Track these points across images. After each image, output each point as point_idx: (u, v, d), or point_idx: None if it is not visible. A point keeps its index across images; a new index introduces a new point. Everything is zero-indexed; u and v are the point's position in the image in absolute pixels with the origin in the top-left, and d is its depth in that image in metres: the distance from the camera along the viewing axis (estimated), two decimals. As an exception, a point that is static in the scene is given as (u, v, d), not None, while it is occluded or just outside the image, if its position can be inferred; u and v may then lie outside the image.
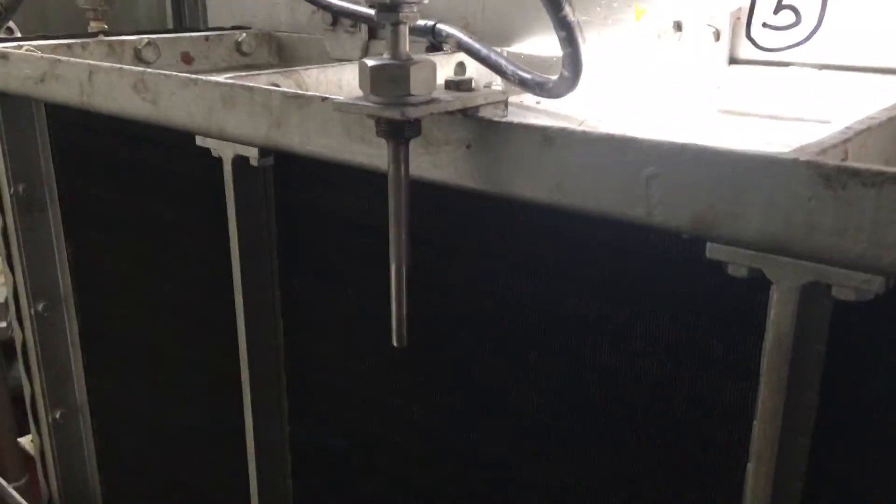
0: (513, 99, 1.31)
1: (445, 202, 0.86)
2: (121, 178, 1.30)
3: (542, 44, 1.36)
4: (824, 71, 1.08)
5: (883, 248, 0.56)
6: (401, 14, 0.70)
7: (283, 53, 1.74)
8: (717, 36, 1.15)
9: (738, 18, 1.15)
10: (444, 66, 1.33)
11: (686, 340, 0.73)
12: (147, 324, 1.37)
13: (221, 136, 1.03)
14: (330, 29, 1.61)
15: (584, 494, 0.86)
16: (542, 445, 0.88)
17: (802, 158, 0.59)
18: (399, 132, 0.72)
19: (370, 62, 0.71)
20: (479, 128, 0.77)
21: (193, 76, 1.03)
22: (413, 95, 0.71)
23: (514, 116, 1.05)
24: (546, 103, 1.21)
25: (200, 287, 1.22)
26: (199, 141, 1.06)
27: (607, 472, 0.83)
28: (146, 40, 1.54)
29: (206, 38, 1.64)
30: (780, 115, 1.12)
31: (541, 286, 0.82)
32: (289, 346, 1.12)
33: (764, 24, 1.14)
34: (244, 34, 1.70)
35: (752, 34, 1.15)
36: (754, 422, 0.68)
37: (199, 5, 1.99)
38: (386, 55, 0.72)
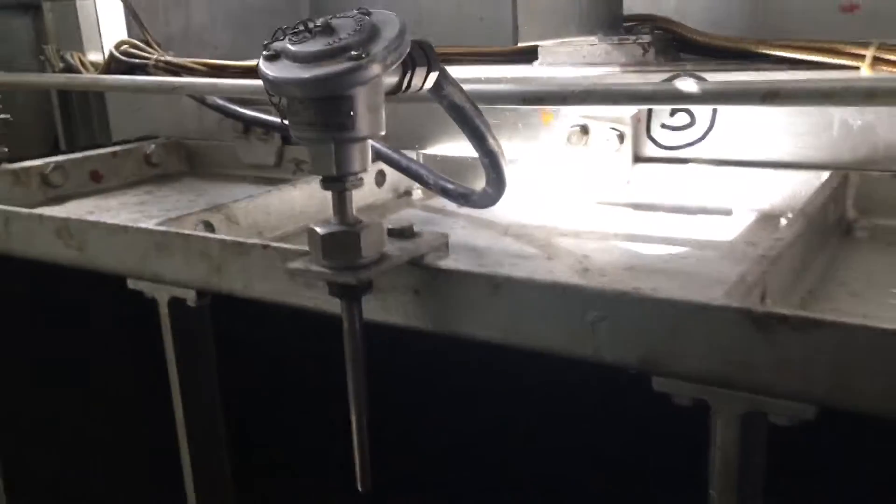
0: (435, 202, 1.37)
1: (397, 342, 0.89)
2: (46, 320, 1.26)
3: (455, 146, 1.41)
4: (721, 166, 1.18)
5: (812, 382, 0.63)
6: (346, 183, 0.73)
7: (193, 161, 1.73)
8: (622, 138, 1.23)
9: (639, 120, 1.24)
10: (365, 177, 1.36)
11: (641, 462, 0.78)
12: (81, 470, 1.31)
13: (156, 280, 1.02)
14: (242, 137, 1.61)
15: None
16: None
17: (734, 305, 0.65)
18: (353, 293, 0.75)
19: (320, 230, 0.74)
20: (426, 276, 0.80)
21: (122, 224, 1.02)
22: (364, 258, 0.74)
23: (439, 227, 1.09)
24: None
25: (141, 429, 1.19)
26: (131, 284, 1.05)
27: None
28: (52, 164, 1.50)
29: (114, 153, 1.62)
30: (686, 207, 1.21)
31: (503, 422, 0.86)
32: (239, 486, 1.11)
33: (663, 125, 1.23)
34: (152, 145, 1.69)
35: (653, 134, 1.25)
36: (710, 533, 0.74)
37: (94, 116, 1.95)
38: (334, 220, 0.75)
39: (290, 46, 0.70)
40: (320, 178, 0.74)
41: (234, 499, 1.12)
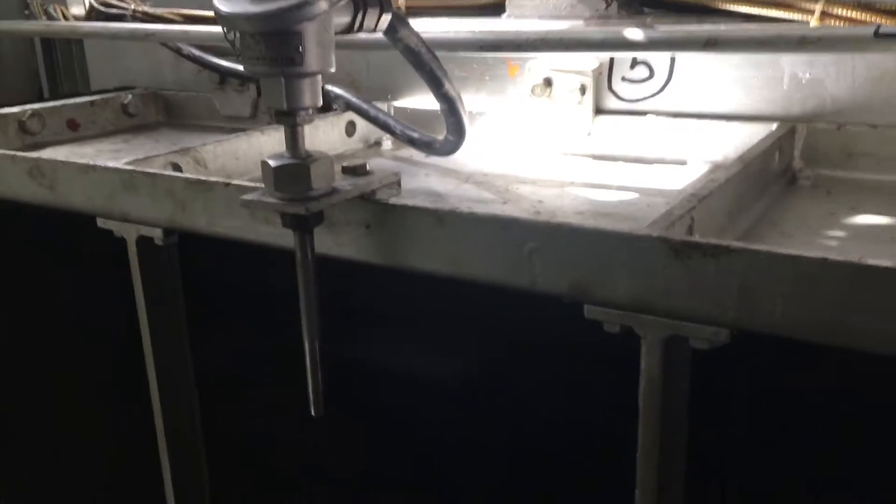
0: (404, 153, 1.40)
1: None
2: (20, 259, 1.30)
3: (427, 98, 1.44)
4: (678, 119, 1.22)
5: (724, 306, 0.67)
6: (297, 118, 0.76)
7: (170, 112, 1.76)
8: (583, 90, 1.27)
9: (601, 73, 1.27)
10: (335, 126, 1.39)
11: (574, 386, 0.83)
12: (52, 403, 1.36)
13: (124, 219, 1.05)
14: (218, 88, 1.64)
15: (498, 528, 0.94)
16: (450, 486, 0.96)
17: (655, 234, 0.69)
18: (304, 224, 0.79)
19: (272, 162, 0.77)
20: (377, 210, 0.84)
21: (91, 163, 1.05)
22: (314, 190, 0.78)
23: (406, 175, 1.13)
24: (434, 157, 1.30)
25: (112, 363, 1.23)
26: (100, 223, 1.08)
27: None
28: (30, 111, 1.53)
29: (91, 102, 1.64)
30: (644, 157, 1.25)
31: (443, 347, 0.90)
32: (205, 415, 1.16)
33: (623, 79, 1.27)
34: (129, 95, 1.71)
35: (614, 87, 1.28)
36: (637, 453, 0.79)
37: (76, 68, 1.97)
38: (286, 154, 0.78)
39: (243, -17, 0.72)
40: (273, 111, 0.77)
41: (203, 429, 1.17)
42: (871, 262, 0.60)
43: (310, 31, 0.72)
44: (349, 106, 1.35)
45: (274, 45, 0.72)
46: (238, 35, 0.75)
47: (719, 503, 0.80)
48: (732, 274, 0.66)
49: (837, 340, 0.64)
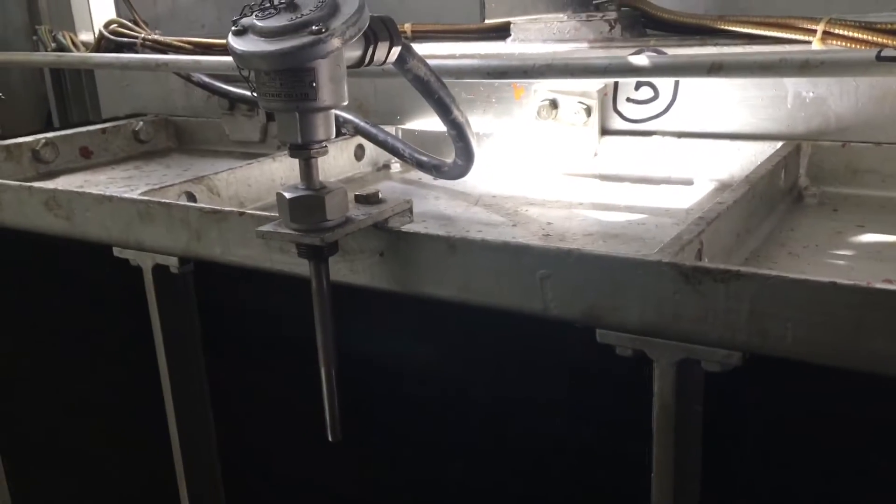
0: (413, 175, 1.42)
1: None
2: (38, 290, 1.31)
3: (434, 121, 1.46)
4: (683, 138, 1.23)
5: (735, 330, 0.68)
6: (311, 151, 0.78)
7: (181, 137, 1.78)
8: (589, 111, 1.28)
9: (606, 94, 1.29)
10: (344, 151, 1.41)
11: (588, 410, 0.84)
12: (73, 430, 1.37)
13: (140, 248, 1.07)
14: (228, 113, 1.66)
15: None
16: (472, 510, 0.97)
17: (665, 260, 0.70)
18: (319, 254, 0.80)
19: (287, 194, 0.79)
20: (390, 238, 0.85)
21: (107, 193, 1.07)
22: (329, 220, 0.79)
23: (416, 198, 1.14)
24: (443, 180, 1.31)
25: (129, 391, 1.25)
26: (116, 252, 1.10)
27: (533, 528, 0.93)
28: (43, 140, 1.55)
29: (103, 130, 1.67)
30: (650, 177, 1.26)
31: (458, 373, 0.92)
32: (222, 442, 1.17)
33: (628, 99, 1.28)
34: (140, 122, 1.73)
35: (619, 108, 1.30)
36: (652, 475, 0.79)
37: (86, 95, 2.00)
38: (301, 185, 0.80)
39: (257, 22, 0.74)
40: (287, 146, 0.79)
41: (219, 456, 1.18)
42: (879, 285, 0.61)
43: (323, 67, 0.74)
44: (358, 130, 1.37)
45: (288, 82, 0.73)
46: (253, 72, 0.77)
47: (734, 523, 0.81)
48: (743, 298, 0.67)
49: (850, 364, 0.65)
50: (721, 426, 0.77)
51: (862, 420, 0.69)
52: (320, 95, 0.75)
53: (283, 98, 0.75)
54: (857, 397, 0.68)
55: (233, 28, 0.75)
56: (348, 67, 0.81)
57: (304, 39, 0.71)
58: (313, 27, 0.72)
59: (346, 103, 0.79)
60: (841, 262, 0.88)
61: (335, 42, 0.73)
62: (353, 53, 0.81)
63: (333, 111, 0.79)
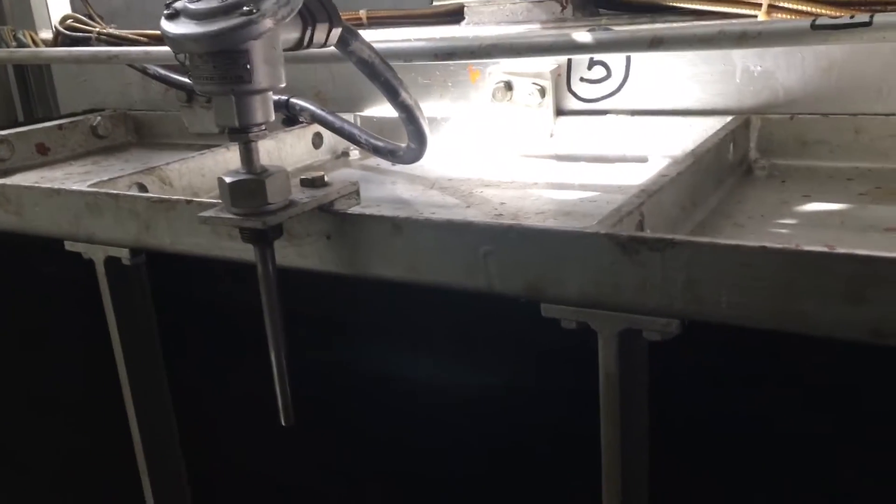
0: (371, 162, 1.42)
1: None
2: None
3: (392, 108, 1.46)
4: (637, 116, 1.24)
5: (672, 298, 0.69)
6: (250, 134, 0.78)
7: (140, 131, 1.77)
8: (543, 92, 1.28)
9: (560, 75, 1.29)
10: (302, 139, 1.41)
11: (537, 384, 0.84)
12: (31, 426, 1.36)
13: (90, 241, 1.06)
14: (186, 105, 1.64)
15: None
16: (418, 488, 0.97)
17: (602, 231, 0.71)
18: (263, 238, 0.80)
19: (228, 178, 0.78)
20: (336, 220, 0.85)
21: (56, 186, 1.06)
22: (270, 204, 0.79)
23: (373, 183, 1.14)
24: (401, 165, 1.31)
25: (86, 385, 1.24)
26: (68, 246, 1.09)
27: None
28: (-3, 138, 1.53)
29: (60, 126, 1.65)
30: (606, 156, 1.27)
31: (408, 351, 0.92)
32: (183, 430, 1.16)
33: (581, 79, 1.29)
34: (98, 117, 1.71)
35: (573, 88, 1.30)
36: (601, 446, 0.80)
37: (48, 93, 1.98)
38: (241, 170, 0.80)
39: (189, 5, 0.74)
40: (226, 129, 0.79)
41: (182, 447, 1.18)
42: (807, 248, 0.62)
43: (257, 48, 0.73)
44: (314, 118, 1.37)
45: (222, 65, 0.73)
46: (187, 56, 0.76)
47: (685, 489, 0.81)
48: (678, 266, 0.67)
49: (782, 326, 0.65)
50: (665, 394, 0.78)
51: (798, 381, 0.70)
52: (255, 77, 0.74)
53: (218, 81, 0.74)
54: (791, 359, 0.69)
55: (165, 12, 0.75)
56: (287, 50, 0.81)
57: (235, 20, 0.71)
58: (244, 8, 0.71)
59: (283, 85, 0.78)
60: (784, 231, 0.88)
61: (267, 22, 0.72)
62: (291, 35, 0.81)
63: (271, 93, 0.78)
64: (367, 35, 0.94)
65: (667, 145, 1.21)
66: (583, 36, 0.94)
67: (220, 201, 0.86)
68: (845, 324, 0.62)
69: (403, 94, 1.01)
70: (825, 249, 0.61)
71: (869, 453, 0.71)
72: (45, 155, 1.61)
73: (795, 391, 0.71)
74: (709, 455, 0.79)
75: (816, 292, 0.62)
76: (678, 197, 0.88)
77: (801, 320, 0.64)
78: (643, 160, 1.23)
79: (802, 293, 0.63)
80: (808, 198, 0.98)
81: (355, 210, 0.86)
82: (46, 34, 1.89)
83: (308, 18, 0.81)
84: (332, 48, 0.90)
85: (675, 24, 1.10)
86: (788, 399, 0.71)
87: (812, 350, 0.67)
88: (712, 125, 1.16)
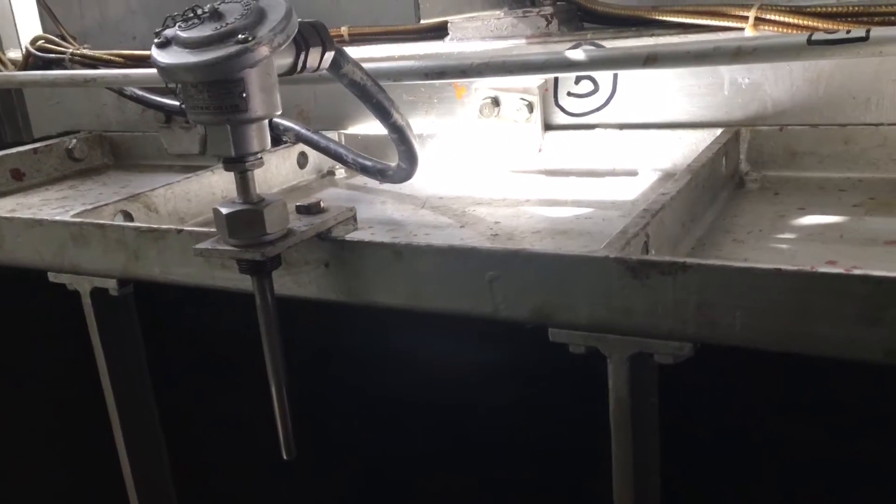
0: (358, 181, 1.40)
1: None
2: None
3: (377, 125, 1.44)
4: (625, 130, 1.24)
5: (685, 321, 0.68)
6: (246, 164, 0.76)
7: (117, 154, 1.73)
8: (531, 108, 1.28)
9: (547, 90, 1.28)
10: (287, 159, 1.38)
11: (545, 410, 0.83)
12: (21, 459, 1.32)
13: (76, 272, 1.03)
14: (165, 126, 1.61)
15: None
16: (435, 518, 0.96)
17: (612, 256, 0.70)
18: (261, 269, 0.78)
19: (224, 210, 0.76)
20: (334, 248, 0.84)
21: (38, 217, 1.03)
22: (269, 234, 0.77)
23: (362, 203, 1.11)
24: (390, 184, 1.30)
25: (75, 419, 1.20)
26: (51, 277, 1.06)
27: (497, 531, 0.92)
28: (-31, 165, 1.49)
29: (35, 150, 1.61)
30: (595, 170, 1.26)
31: (413, 379, 0.90)
32: (175, 462, 1.14)
33: (569, 94, 1.28)
34: (74, 140, 1.67)
35: (560, 102, 1.30)
36: (612, 470, 0.79)
37: (18, 116, 1.93)
38: (238, 199, 0.77)
39: (181, 33, 0.72)
40: (221, 159, 0.77)
41: (173, 479, 1.15)
42: (822, 269, 0.62)
43: (253, 77, 0.72)
44: (299, 138, 1.35)
45: (217, 95, 0.71)
46: (180, 85, 0.74)
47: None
48: (690, 290, 0.67)
49: (797, 348, 0.65)
50: (677, 417, 0.77)
51: (813, 402, 0.70)
52: (252, 106, 0.73)
53: (213, 111, 0.72)
54: (806, 381, 0.69)
55: (155, 40, 0.73)
56: (280, 75, 0.79)
57: (231, 49, 0.69)
58: (239, 36, 0.69)
59: (279, 112, 0.76)
60: (784, 246, 0.88)
61: (263, 50, 0.70)
62: (284, 61, 0.79)
63: (267, 121, 0.76)
64: (350, 52, 0.92)
65: (656, 159, 1.21)
66: (576, 54, 0.93)
67: (211, 230, 0.84)
68: (859, 345, 0.62)
69: (395, 116, 1.00)
70: (841, 271, 0.61)
71: (885, 473, 0.71)
72: (20, 181, 1.57)
73: (811, 414, 0.71)
74: (721, 478, 0.78)
75: (831, 314, 0.62)
76: (679, 214, 0.87)
77: (817, 342, 0.63)
78: (633, 174, 1.23)
79: (818, 314, 0.62)
80: (804, 210, 0.98)
81: (354, 236, 0.84)
82: (15, 54, 1.85)
83: (301, 44, 0.80)
84: (323, 72, 0.88)
85: (668, 40, 1.10)
86: (802, 421, 0.71)
87: (826, 372, 0.66)
88: (702, 138, 1.16)
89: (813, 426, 0.71)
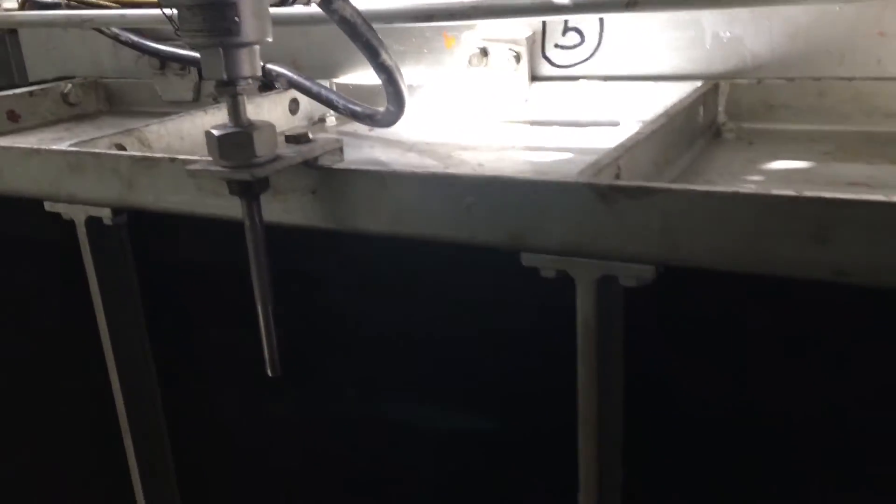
0: (348, 128, 1.43)
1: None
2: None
3: (368, 74, 1.47)
4: (609, 82, 1.27)
5: (648, 244, 0.72)
6: (238, 87, 0.79)
7: (112, 100, 1.75)
8: (518, 58, 1.31)
9: (534, 41, 1.31)
10: (279, 104, 1.41)
11: (514, 332, 0.87)
12: (11, 388, 1.36)
13: (71, 201, 1.06)
14: (159, 73, 1.64)
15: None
16: (403, 438, 1.00)
17: (583, 181, 0.74)
18: (250, 190, 0.81)
19: (216, 132, 0.80)
20: (321, 175, 0.87)
21: (35, 147, 1.06)
22: (258, 157, 0.80)
23: (351, 147, 1.15)
24: (378, 130, 1.33)
25: (67, 347, 1.24)
26: (48, 206, 1.09)
27: (458, 454, 0.97)
28: (-34, 103, 1.51)
29: (31, 93, 1.63)
30: (579, 121, 1.30)
31: (389, 305, 0.94)
32: (167, 392, 1.18)
33: (556, 45, 1.31)
34: (69, 84, 1.70)
35: (547, 54, 1.33)
36: (578, 392, 0.83)
37: (11, 61, 1.94)
38: (229, 123, 0.81)
39: (177, -43, 0.75)
40: (214, 83, 0.80)
41: (163, 409, 1.19)
42: (776, 191, 0.66)
43: (246, 1, 0.74)
44: (291, 83, 1.37)
45: (210, 17, 0.74)
46: (176, 10, 0.77)
47: (660, 436, 0.85)
48: (654, 213, 0.71)
49: (753, 269, 0.69)
50: (641, 339, 0.81)
51: (771, 320, 0.74)
52: (244, 30, 0.76)
53: (207, 34, 0.75)
54: (763, 300, 0.73)
55: (152, -36, 0.75)
56: (272, 5, 0.82)
57: (225, -28, 0.72)
58: (233, -40, 0.72)
59: (270, 39, 0.79)
60: (753, 187, 0.92)
61: (256, -25, 0.73)
62: (277, -10, 0.82)
63: (258, 48, 0.79)
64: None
65: (638, 110, 1.25)
66: (561, -2, 0.97)
67: (205, 159, 0.87)
68: (811, 264, 0.66)
69: (384, 56, 1.03)
70: (794, 193, 0.65)
71: (838, 392, 0.75)
72: (15, 122, 1.59)
73: (769, 334, 0.75)
74: (684, 400, 0.82)
75: (784, 234, 0.66)
76: (652, 154, 0.91)
77: (771, 262, 0.67)
78: (615, 124, 1.27)
79: (772, 235, 0.66)
80: (775, 157, 1.02)
81: (340, 165, 0.88)
82: (10, 3, 1.86)
83: (293, -26, 0.82)
84: (314, 6, 0.91)
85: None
86: (763, 342, 0.75)
87: (782, 292, 0.71)
88: (683, 90, 1.19)
89: (770, 344, 0.75)
